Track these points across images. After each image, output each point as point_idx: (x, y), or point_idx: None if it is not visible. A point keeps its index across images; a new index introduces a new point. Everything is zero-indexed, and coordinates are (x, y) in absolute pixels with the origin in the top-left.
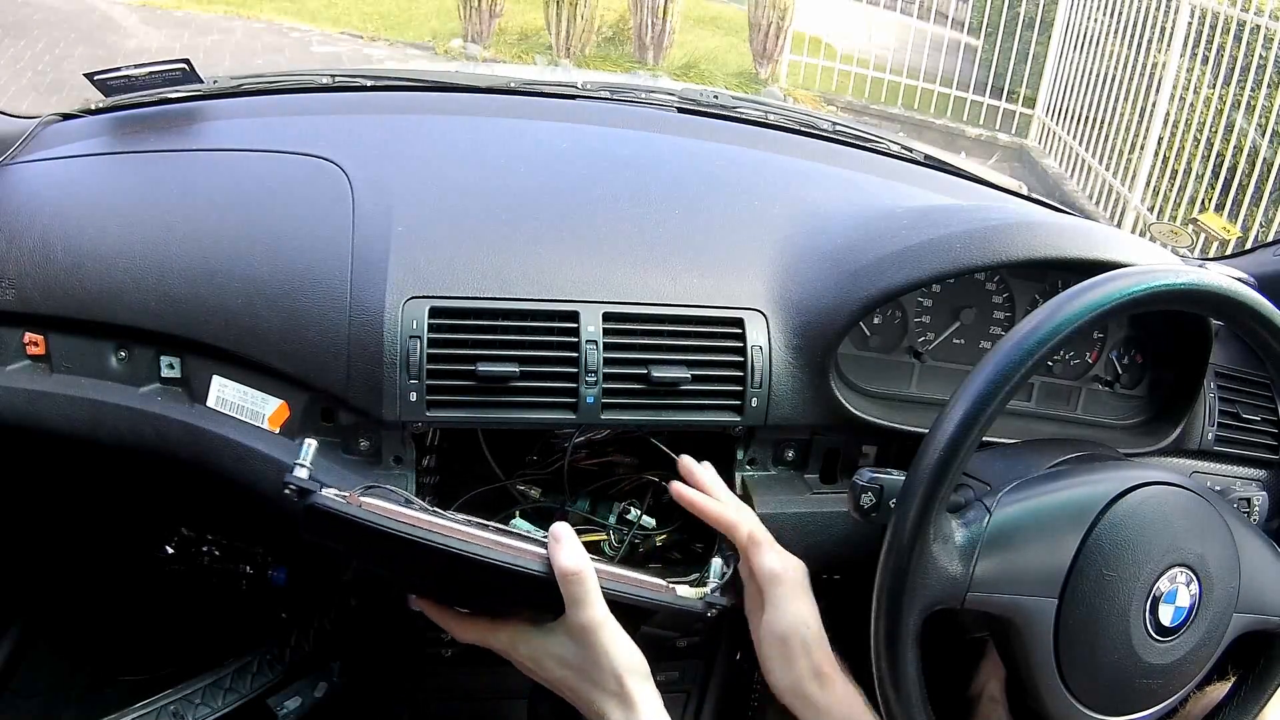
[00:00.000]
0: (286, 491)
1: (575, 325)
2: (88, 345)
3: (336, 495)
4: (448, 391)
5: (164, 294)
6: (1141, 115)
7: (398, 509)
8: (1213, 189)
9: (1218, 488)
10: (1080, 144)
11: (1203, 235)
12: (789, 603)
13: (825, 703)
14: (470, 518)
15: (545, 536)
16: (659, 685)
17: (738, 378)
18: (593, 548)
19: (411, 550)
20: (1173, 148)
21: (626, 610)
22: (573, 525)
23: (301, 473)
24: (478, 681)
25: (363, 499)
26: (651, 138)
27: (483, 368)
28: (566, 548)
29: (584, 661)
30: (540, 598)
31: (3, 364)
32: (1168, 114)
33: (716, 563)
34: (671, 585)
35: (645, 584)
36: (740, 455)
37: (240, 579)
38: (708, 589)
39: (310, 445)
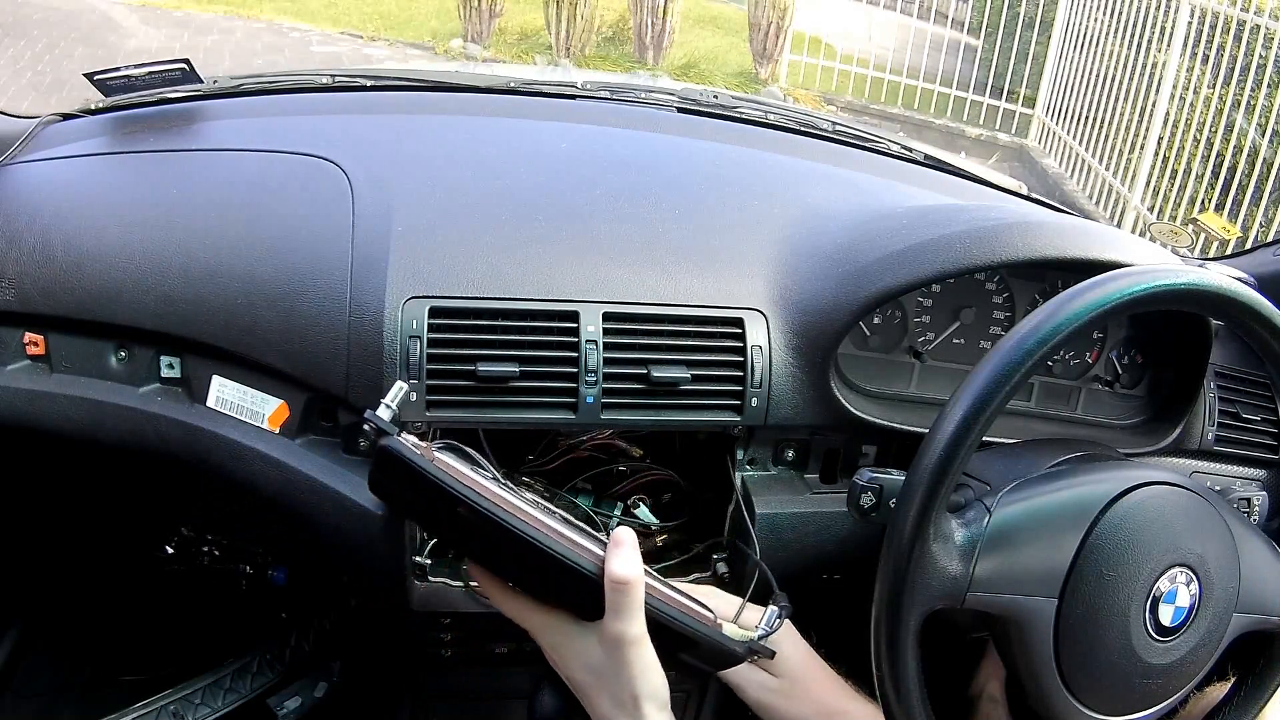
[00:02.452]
0: (365, 428)
1: (575, 325)
2: (88, 345)
3: (415, 444)
4: (447, 391)
5: (164, 294)
6: (1141, 115)
7: (469, 474)
8: (1213, 189)
9: (1218, 488)
10: (1080, 144)
11: (1203, 235)
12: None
13: None
14: (538, 499)
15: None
16: None
17: (738, 378)
18: None
19: (471, 517)
20: (1173, 148)
21: (666, 634)
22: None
23: (385, 413)
24: (478, 681)
25: (437, 454)
26: (651, 137)
27: (483, 368)
28: (623, 555)
29: (606, 672)
30: (582, 597)
31: (3, 364)
32: (1168, 114)
33: (771, 610)
34: (720, 621)
35: (693, 612)
36: (740, 455)
37: (240, 579)
38: (754, 634)
39: (401, 388)
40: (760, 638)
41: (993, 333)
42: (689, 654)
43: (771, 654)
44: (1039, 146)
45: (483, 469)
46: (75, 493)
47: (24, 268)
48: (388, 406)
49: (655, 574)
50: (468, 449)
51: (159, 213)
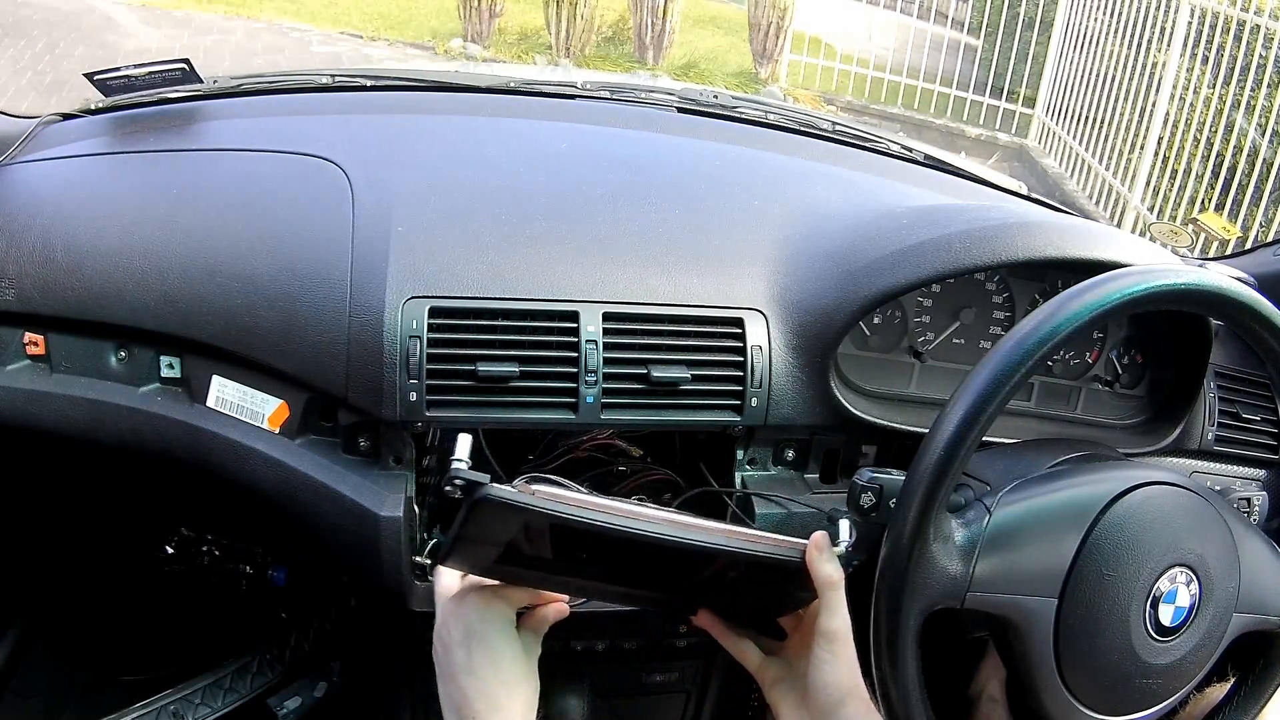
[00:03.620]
0: (448, 489)
1: (575, 325)
2: (88, 345)
3: (506, 488)
4: (448, 391)
5: (163, 294)
6: (1141, 115)
7: (572, 495)
8: (1213, 189)
9: (1218, 488)
10: (1080, 144)
11: (1203, 235)
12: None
13: None
14: (625, 499)
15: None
16: (659, 685)
17: (737, 377)
18: None
19: (585, 539)
20: (1173, 148)
21: (776, 574)
22: None
23: (462, 466)
24: None
25: (534, 488)
26: (651, 137)
27: (483, 368)
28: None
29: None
30: (786, 587)
31: (3, 364)
32: (1168, 114)
33: (843, 524)
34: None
35: (785, 544)
36: (740, 455)
37: (240, 579)
38: (841, 548)
39: (466, 440)
40: (846, 548)
41: (993, 333)
42: (796, 587)
43: (863, 558)
44: (1039, 146)
45: (570, 487)
46: (76, 493)
47: (24, 268)
48: (461, 461)
49: (738, 525)
50: (552, 476)
51: (159, 213)
